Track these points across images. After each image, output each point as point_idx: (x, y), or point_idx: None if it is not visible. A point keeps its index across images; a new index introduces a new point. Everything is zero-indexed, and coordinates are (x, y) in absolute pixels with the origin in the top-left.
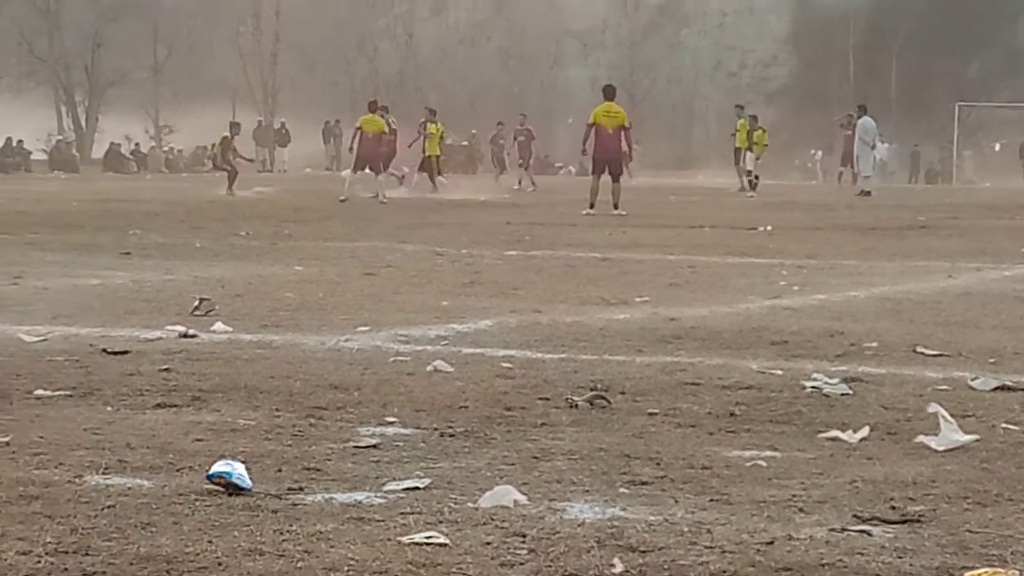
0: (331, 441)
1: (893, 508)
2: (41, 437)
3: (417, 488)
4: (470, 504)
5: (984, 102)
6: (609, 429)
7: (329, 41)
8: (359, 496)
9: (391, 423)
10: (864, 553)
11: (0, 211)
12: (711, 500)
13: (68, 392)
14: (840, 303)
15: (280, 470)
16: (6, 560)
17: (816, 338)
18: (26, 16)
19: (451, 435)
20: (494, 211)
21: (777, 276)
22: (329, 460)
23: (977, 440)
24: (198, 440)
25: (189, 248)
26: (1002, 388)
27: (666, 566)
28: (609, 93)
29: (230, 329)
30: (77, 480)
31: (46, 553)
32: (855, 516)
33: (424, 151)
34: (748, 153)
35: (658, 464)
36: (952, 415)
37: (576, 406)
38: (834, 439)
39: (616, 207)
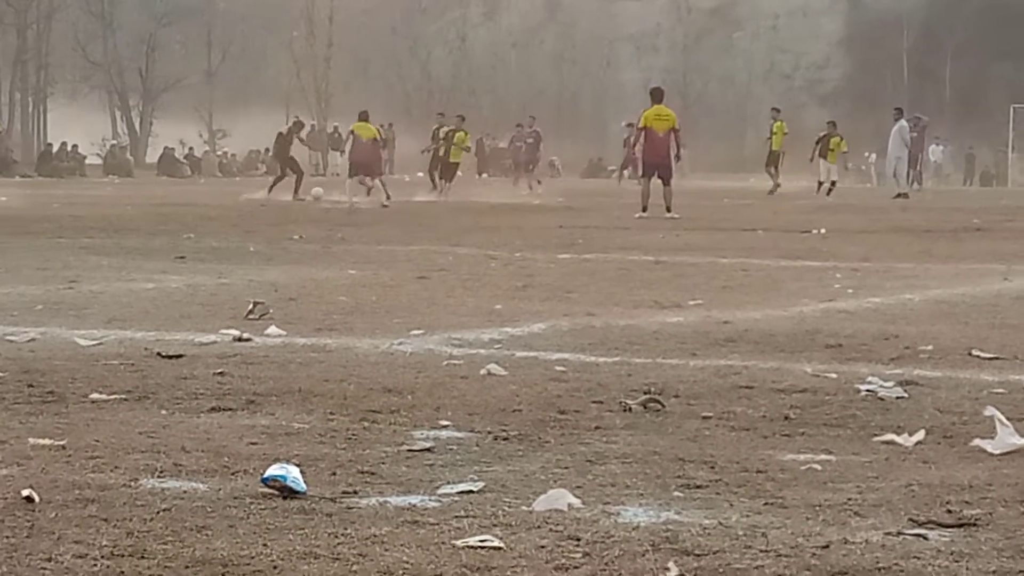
0: (385, 444)
1: (949, 512)
2: (96, 440)
3: (471, 491)
4: (524, 507)
5: None
6: (663, 432)
7: (382, 46)
8: (413, 499)
9: (445, 426)
10: (920, 557)
11: (55, 215)
12: (766, 504)
13: (123, 396)
14: (895, 306)
15: (334, 473)
16: (63, 563)
17: (871, 341)
18: (81, 21)
19: (504, 438)
20: (547, 214)
21: (831, 279)
22: (383, 463)
23: None
24: (252, 444)
25: (243, 252)
26: None
27: (721, 570)
28: (657, 96)
29: (284, 333)
30: (133, 483)
31: (102, 556)
32: (911, 520)
33: (449, 157)
34: (823, 161)
35: (712, 468)
36: (1008, 418)
37: (630, 409)
38: (889, 442)
39: (669, 210)
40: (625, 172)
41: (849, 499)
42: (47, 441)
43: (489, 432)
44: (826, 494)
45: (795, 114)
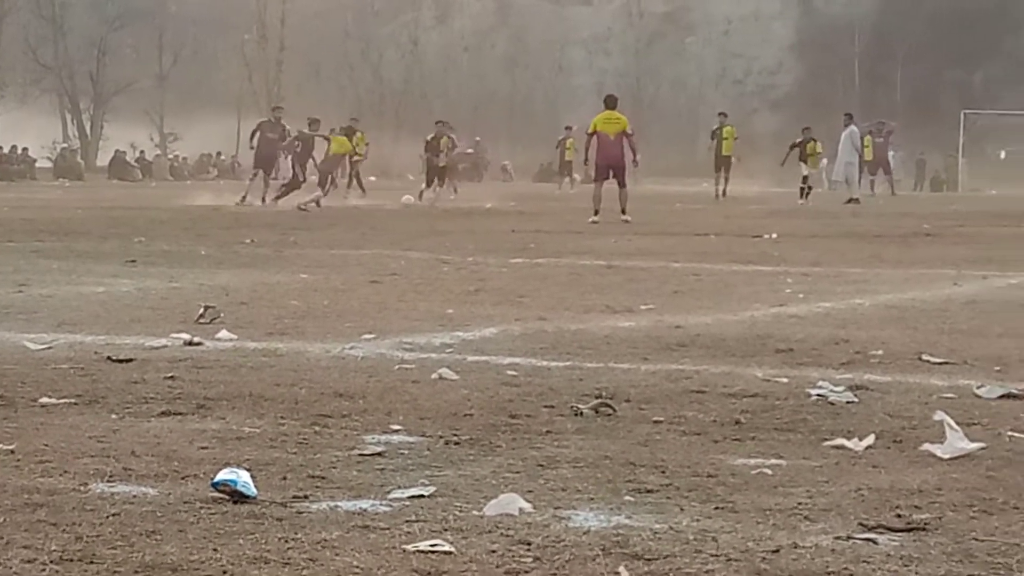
0: (336, 449)
1: (899, 516)
2: (46, 445)
3: (422, 496)
4: (475, 512)
5: (989, 110)
6: (614, 437)
7: (334, 49)
8: (364, 504)
9: (396, 431)
10: (869, 561)
11: (4, 219)
12: (716, 508)
13: (73, 400)
14: (845, 311)
15: (285, 478)
16: (11, 568)
17: (821, 346)
18: (31, 24)
19: (456, 443)
20: (499, 219)
21: (782, 284)
22: (334, 468)
23: (983, 448)
24: (203, 448)
25: (194, 256)
26: (1008, 396)
27: (671, 574)
28: (611, 102)
29: (235, 337)
30: (82, 488)
31: (51, 561)
32: (860, 524)
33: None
34: (804, 165)
35: (663, 472)
36: (958, 423)
37: (581, 414)
38: (839, 447)
39: (624, 212)
40: (568, 179)
41: (799, 503)
42: None
43: (440, 436)
44: (776, 498)
45: (747, 119)
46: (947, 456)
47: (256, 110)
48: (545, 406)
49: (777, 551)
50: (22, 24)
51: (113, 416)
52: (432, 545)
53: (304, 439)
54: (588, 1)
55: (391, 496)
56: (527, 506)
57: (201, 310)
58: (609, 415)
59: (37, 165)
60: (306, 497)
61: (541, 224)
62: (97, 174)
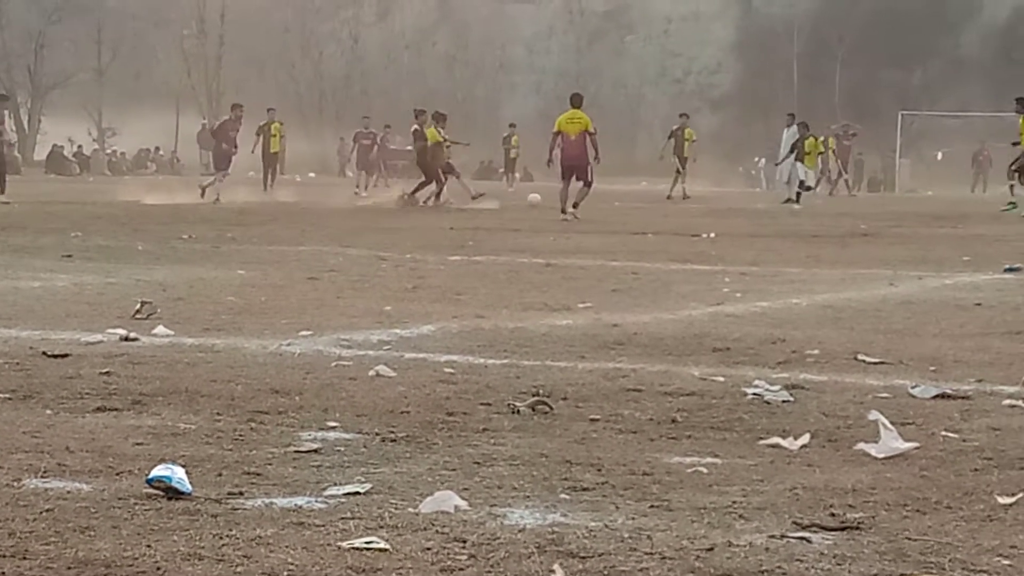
0: (272, 446)
1: (832, 515)
2: None
3: (358, 493)
4: (411, 509)
5: (927, 111)
6: (551, 435)
7: (274, 45)
8: (299, 501)
9: (332, 428)
10: (803, 560)
11: None
12: (651, 506)
13: (7, 395)
14: (782, 310)
15: (220, 474)
16: None
17: (758, 345)
18: None
19: (392, 440)
20: (438, 216)
21: (720, 283)
22: (270, 465)
23: (916, 448)
24: (138, 444)
25: (131, 251)
26: (942, 396)
27: (606, 572)
28: (575, 101)
29: (171, 333)
30: (15, 484)
31: None
32: (795, 523)
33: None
34: (800, 165)
35: (599, 470)
36: (892, 422)
37: (518, 412)
38: (775, 446)
39: (575, 207)
40: (516, 175)
41: (734, 502)
42: None
43: (377, 434)
44: (711, 497)
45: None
46: (881, 456)
47: (195, 105)
48: (482, 404)
49: (711, 549)
50: None
51: (47, 411)
52: (367, 542)
53: (240, 436)
54: None
55: (327, 493)
56: (463, 504)
57: (138, 306)
58: (546, 413)
59: None
60: (241, 494)
61: (480, 222)
62: (34, 168)
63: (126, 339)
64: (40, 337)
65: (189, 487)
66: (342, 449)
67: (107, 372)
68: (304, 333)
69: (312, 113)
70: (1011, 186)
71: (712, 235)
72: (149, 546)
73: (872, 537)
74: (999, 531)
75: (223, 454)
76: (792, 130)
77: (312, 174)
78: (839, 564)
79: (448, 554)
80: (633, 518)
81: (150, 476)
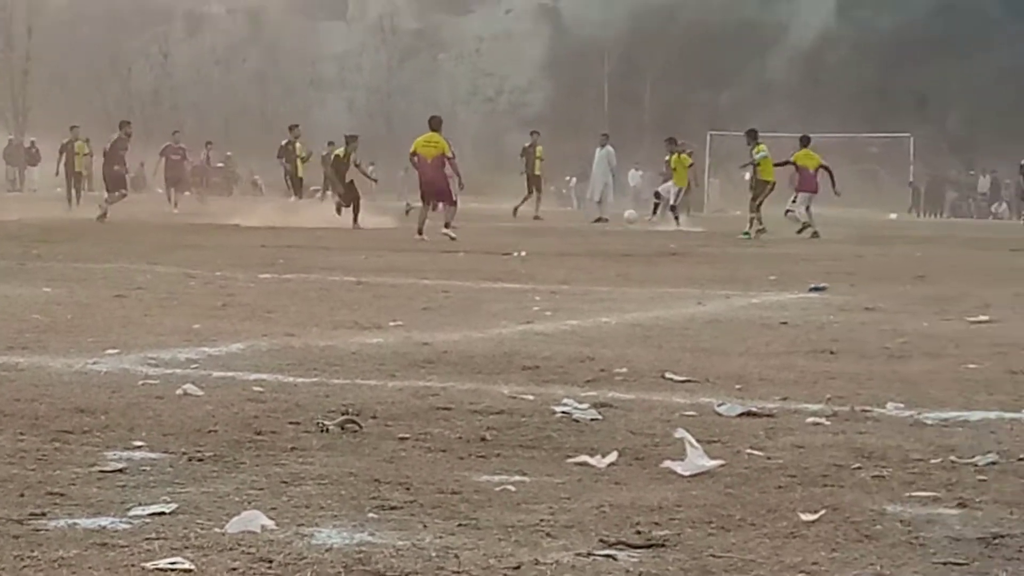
0: (76, 465)
1: (638, 533)
2: None
3: (163, 513)
4: (217, 529)
5: (735, 131)
6: (360, 454)
7: (83, 60)
8: (103, 521)
9: (138, 447)
10: None
11: None
12: (459, 525)
13: None
14: (591, 329)
15: (22, 495)
16: None
17: (567, 363)
18: None
19: (199, 459)
20: (249, 234)
21: (530, 301)
22: (74, 485)
23: (722, 465)
24: None
25: None
26: (747, 414)
27: None
28: (434, 123)
29: None
30: None
31: None
32: (601, 540)
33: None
34: (667, 183)
35: (408, 489)
36: (698, 440)
37: (327, 430)
38: (583, 464)
39: (446, 227)
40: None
41: (542, 520)
42: None
43: (183, 453)
44: (519, 515)
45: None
46: (687, 473)
47: (1, 121)
48: (291, 422)
49: (519, 567)
50: None
51: None
52: (171, 563)
53: (43, 455)
54: (341, 16)
55: (131, 513)
56: (270, 523)
57: None
58: (355, 432)
59: None
60: (44, 514)
61: (291, 239)
62: None
63: None
64: None
65: None
66: (148, 469)
67: None
68: (110, 351)
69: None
70: (752, 218)
71: (523, 254)
72: None
73: (677, 554)
74: (801, 548)
75: (25, 474)
76: (608, 150)
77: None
78: None
79: (254, 574)
80: (441, 537)
81: None
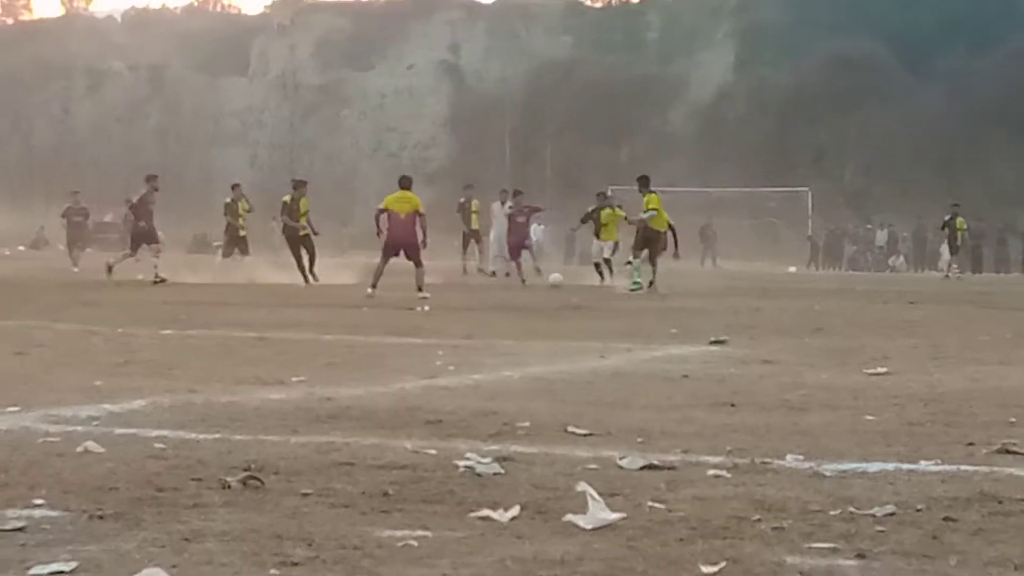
0: None
1: None
2: None
3: (63, 572)
4: None
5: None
6: (262, 510)
7: None
8: None
9: (39, 505)
10: None
11: None
12: None
13: None
14: (495, 383)
15: None
16: None
17: (470, 417)
18: None
19: (100, 517)
20: (151, 290)
21: (434, 356)
22: None
23: (624, 518)
24: None
25: None
26: (649, 467)
27: None
28: (404, 183)
29: None
30: None
31: None
32: None
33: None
34: (596, 240)
35: (310, 544)
36: (600, 493)
37: (229, 487)
38: (485, 518)
39: (420, 289)
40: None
41: (444, 574)
42: None
43: (84, 511)
44: (421, 570)
45: None
46: (589, 526)
47: None
48: (193, 479)
49: None
50: None
51: None
52: None
53: None
54: (243, 72)
55: (31, 573)
56: None
57: None
58: (257, 488)
59: None
60: None
61: (193, 296)
62: None
63: None
64: None
65: None
66: (48, 527)
67: None
68: (11, 409)
69: (21, 187)
70: (629, 261)
71: (427, 308)
72: None
73: None
74: None
75: None
76: (507, 205)
77: (22, 247)
78: None
79: None
80: None
81: None
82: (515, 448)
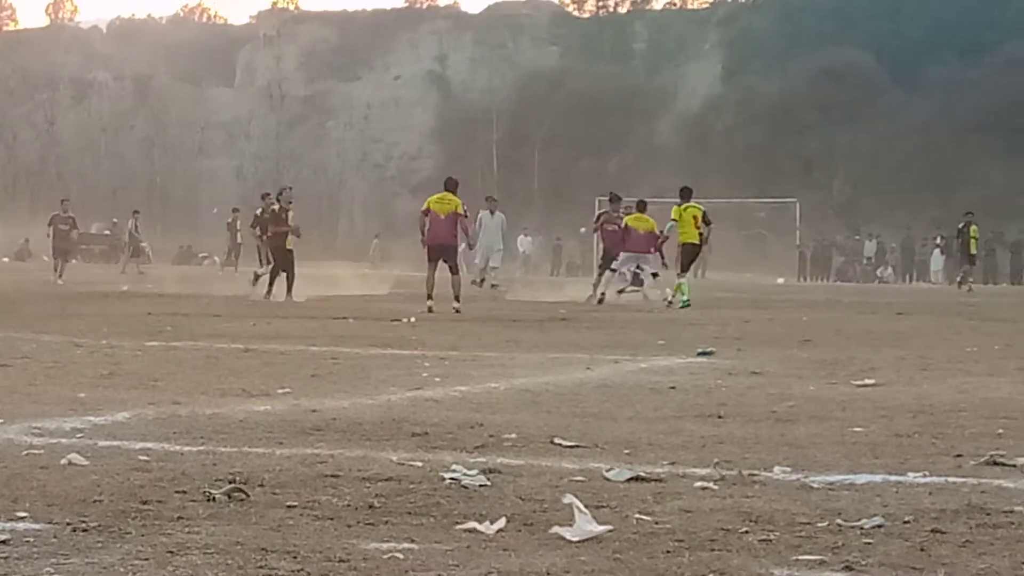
0: None
1: None
2: None
3: None
4: None
5: (625, 197)
6: (246, 522)
7: None
8: None
9: (22, 518)
10: None
11: None
12: None
13: None
14: (481, 394)
15: None
16: None
17: (456, 429)
18: None
19: (84, 530)
20: (136, 301)
21: (419, 368)
22: None
23: (610, 530)
24: None
25: None
26: (635, 479)
27: None
28: (449, 184)
29: None
30: None
31: None
32: None
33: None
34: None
35: (295, 557)
36: (587, 505)
37: (214, 499)
38: (471, 530)
39: (456, 300)
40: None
41: None
42: None
43: (68, 523)
44: None
45: (388, 203)
46: (576, 539)
47: None
48: (177, 491)
49: None
50: None
51: None
52: None
53: None
54: (228, 83)
55: None
56: None
57: None
58: (242, 500)
59: None
60: None
61: (178, 307)
62: None
63: None
64: None
65: None
66: (31, 540)
67: None
68: None
69: (5, 198)
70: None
71: (412, 319)
72: None
73: None
74: None
75: None
76: (499, 216)
77: (6, 259)
78: None
79: None
80: None
81: None
82: (501, 460)
